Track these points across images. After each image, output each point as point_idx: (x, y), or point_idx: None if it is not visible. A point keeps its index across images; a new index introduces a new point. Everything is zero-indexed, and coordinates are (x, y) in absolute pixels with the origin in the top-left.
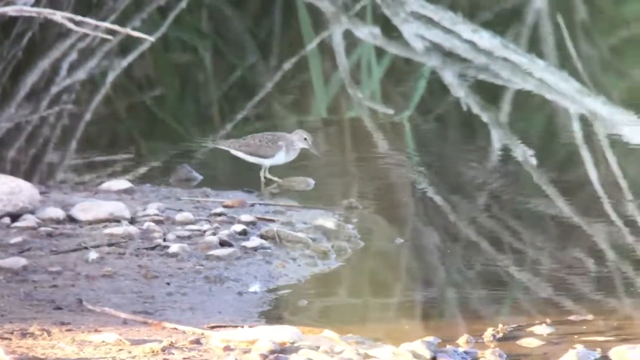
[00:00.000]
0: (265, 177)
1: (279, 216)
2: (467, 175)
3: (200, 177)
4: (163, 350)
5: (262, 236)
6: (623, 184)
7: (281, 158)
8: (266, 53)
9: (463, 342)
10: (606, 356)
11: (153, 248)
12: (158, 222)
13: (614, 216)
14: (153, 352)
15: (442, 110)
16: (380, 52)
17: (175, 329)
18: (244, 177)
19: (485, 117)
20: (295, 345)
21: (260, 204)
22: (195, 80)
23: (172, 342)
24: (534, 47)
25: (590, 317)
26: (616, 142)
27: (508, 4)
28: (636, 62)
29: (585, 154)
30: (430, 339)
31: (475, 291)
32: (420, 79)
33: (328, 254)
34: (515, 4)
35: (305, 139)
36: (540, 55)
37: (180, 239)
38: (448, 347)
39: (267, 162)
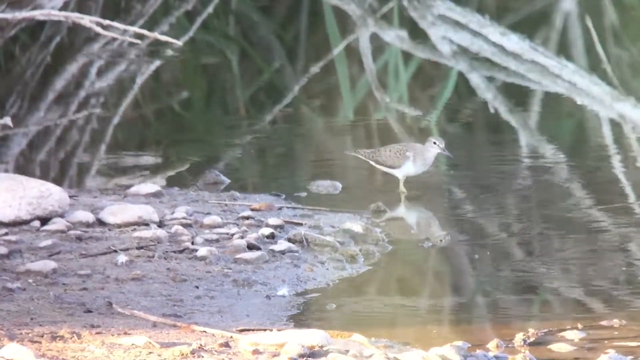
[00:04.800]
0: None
1: (306, 219)
2: (496, 179)
3: (228, 181)
4: (192, 353)
5: (290, 239)
6: None
7: (409, 168)
8: (293, 57)
9: (493, 346)
10: None
11: (181, 251)
12: (186, 226)
13: None
14: (182, 354)
15: (470, 113)
16: (407, 55)
17: (204, 332)
18: (271, 180)
19: (513, 120)
20: (324, 349)
21: (288, 207)
22: (223, 84)
23: (201, 345)
24: (563, 50)
25: (622, 322)
26: None
27: (536, 6)
28: None
29: (616, 157)
30: (460, 343)
31: (505, 295)
32: (448, 82)
33: (356, 258)
34: (544, 7)
35: (435, 143)
36: (570, 58)
37: (208, 242)
38: (478, 351)
39: (397, 173)
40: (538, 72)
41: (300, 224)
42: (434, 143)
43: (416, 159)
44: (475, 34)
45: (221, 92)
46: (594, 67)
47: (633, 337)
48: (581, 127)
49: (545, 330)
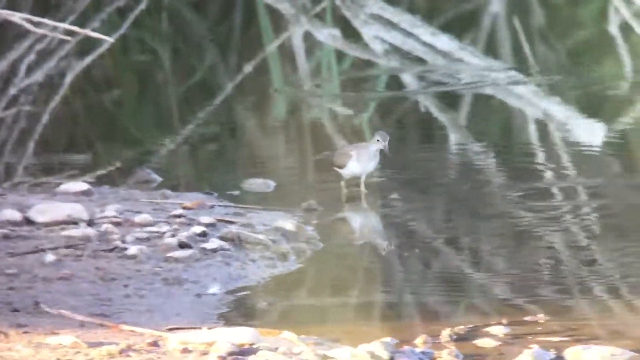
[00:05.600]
0: (355, 188)
1: (238, 218)
2: (427, 178)
3: (159, 179)
4: (120, 352)
5: (221, 238)
6: (578, 185)
7: (354, 167)
8: (226, 55)
9: (420, 342)
10: (561, 356)
11: (111, 250)
12: (116, 224)
13: (568, 218)
14: (110, 354)
15: (402, 111)
16: (340, 54)
17: (133, 331)
18: (204, 178)
19: (443, 119)
20: (254, 346)
21: (220, 206)
22: (155, 82)
23: (129, 345)
24: (491, 50)
25: (546, 318)
26: (571, 145)
27: (466, 7)
28: (592, 64)
29: (542, 156)
30: (388, 339)
31: (433, 293)
32: (380, 80)
33: (287, 256)
34: (473, 8)
35: (378, 140)
36: (498, 58)
37: (138, 240)
38: (405, 347)
39: (343, 172)
40: (467, 72)
41: (233, 223)
42: (377, 140)
43: (360, 158)
44: (407, 33)
45: (153, 90)
46: (521, 66)
47: (556, 332)
48: (508, 125)
49: (471, 326)
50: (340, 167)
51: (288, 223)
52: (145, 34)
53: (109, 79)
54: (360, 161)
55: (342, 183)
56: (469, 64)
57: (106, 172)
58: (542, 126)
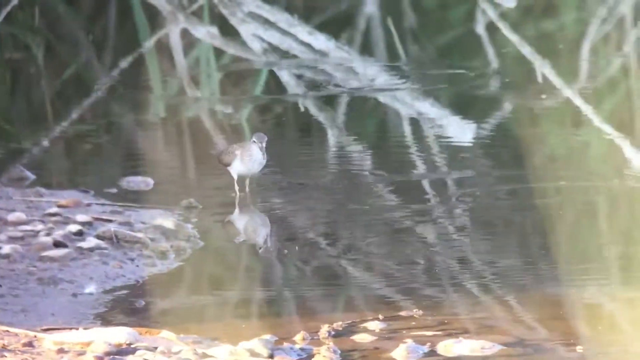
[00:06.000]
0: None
1: (116, 216)
2: (306, 176)
3: (33, 177)
4: None
5: (98, 236)
6: (450, 182)
7: (238, 167)
8: (101, 51)
9: (299, 339)
10: (434, 350)
11: None
12: None
13: (441, 214)
14: None
15: (280, 110)
16: (219, 52)
17: (7, 331)
18: (80, 175)
19: (322, 118)
20: (132, 346)
21: (97, 204)
22: (28, 78)
23: (4, 345)
24: (366, 50)
25: (420, 313)
26: (443, 142)
27: (341, 7)
28: (461, 63)
29: (416, 155)
30: (268, 337)
31: (312, 289)
32: (258, 79)
33: (167, 254)
34: (348, 8)
35: (254, 141)
36: (372, 57)
37: (12, 239)
38: (285, 344)
39: (231, 171)
40: (343, 71)
41: (110, 221)
42: (254, 141)
43: (243, 157)
44: (285, 32)
45: (26, 86)
46: (394, 66)
47: (430, 326)
48: (384, 124)
49: (349, 321)
50: (226, 166)
51: (167, 221)
52: (18, 29)
53: None
54: (244, 161)
55: (235, 184)
56: (345, 64)
57: None
58: (416, 125)
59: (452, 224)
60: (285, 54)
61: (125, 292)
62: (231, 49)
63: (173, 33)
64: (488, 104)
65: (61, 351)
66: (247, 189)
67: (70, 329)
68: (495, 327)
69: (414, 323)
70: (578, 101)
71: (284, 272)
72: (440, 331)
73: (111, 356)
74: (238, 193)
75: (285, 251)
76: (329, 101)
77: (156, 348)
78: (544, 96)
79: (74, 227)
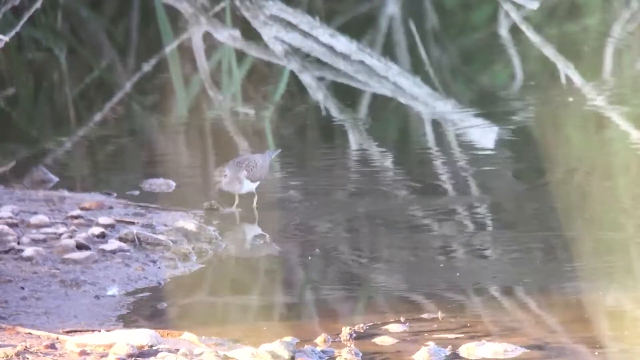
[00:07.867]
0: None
1: (138, 218)
2: (327, 179)
3: (56, 179)
4: (17, 355)
5: (121, 239)
6: (472, 185)
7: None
8: (124, 54)
9: (321, 341)
10: (456, 353)
11: (7, 252)
12: (12, 225)
13: (463, 216)
14: (7, 357)
15: (302, 112)
16: (241, 54)
17: (30, 333)
18: (102, 178)
19: (344, 121)
20: (154, 348)
21: (120, 206)
22: (51, 81)
23: (26, 347)
24: (388, 52)
25: (442, 315)
26: (465, 145)
27: (362, 9)
28: (484, 67)
29: (437, 157)
30: (289, 339)
31: (334, 292)
32: (280, 81)
33: (188, 256)
34: (370, 10)
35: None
36: (394, 60)
37: (35, 242)
38: (306, 346)
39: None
40: (365, 74)
41: (132, 223)
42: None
43: (232, 177)
44: (306, 34)
45: (49, 89)
46: (416, 69)
47: (452, 329)
48: (405, 127)
49: (370, 324)
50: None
51: (189, 223)
52: (41, 32)
53: (4, 78)
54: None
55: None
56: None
57: (1, 172)
58: (438, 127)
59: (475, 227)
60: (306, 57)
61: (147, 294)
62: (253, 52)
63: (195, 36)
64: (510, 106)
65: (83, 353)
66: (254, 204)
67: (93, 331)
68: (518, 329)
69: (435, 325)
70: (602, 102)
71: (306, 274)
72: (462, 334)
73: (133, 358)
74: (236, 203)
75: (309, 257)
76: (349, 103)
77: (178, 350)
78: (570, 99)
79: (96, 230)
